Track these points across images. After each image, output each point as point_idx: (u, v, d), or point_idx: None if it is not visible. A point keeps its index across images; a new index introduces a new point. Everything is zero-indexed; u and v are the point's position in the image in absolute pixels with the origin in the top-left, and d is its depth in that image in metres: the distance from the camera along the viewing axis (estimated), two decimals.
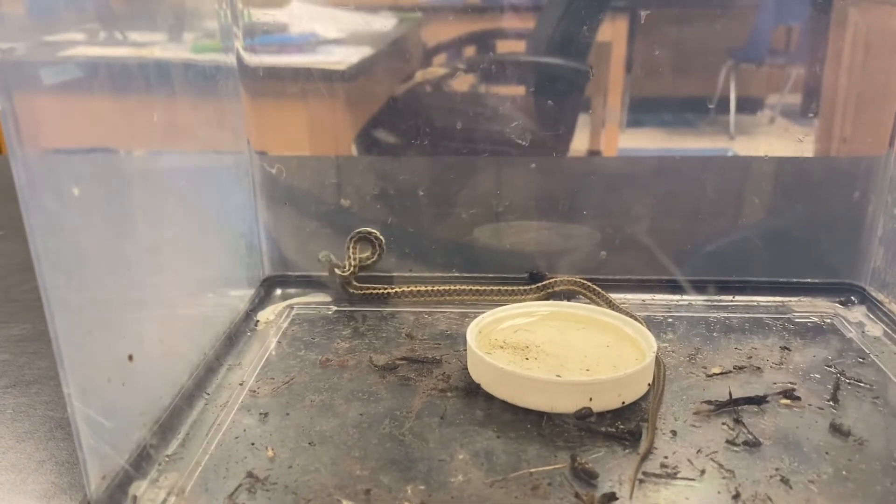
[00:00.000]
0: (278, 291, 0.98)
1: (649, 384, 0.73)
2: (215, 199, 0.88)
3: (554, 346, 0.79)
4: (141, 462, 0.62)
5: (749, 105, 0.95)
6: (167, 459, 0.64)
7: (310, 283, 0.98)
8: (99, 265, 0.60)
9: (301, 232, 1.00)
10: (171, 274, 0.73)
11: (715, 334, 0.87)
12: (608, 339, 0.81)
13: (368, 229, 0.95)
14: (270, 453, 0.65)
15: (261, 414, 0.71)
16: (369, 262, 0.95)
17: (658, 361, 0.75)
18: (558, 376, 0.72)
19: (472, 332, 0.78)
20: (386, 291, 0.93)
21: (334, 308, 0.94)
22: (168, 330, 0.73)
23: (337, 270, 0.92)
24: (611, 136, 0.98)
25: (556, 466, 0.62)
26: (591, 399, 0.69)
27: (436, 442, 0.66)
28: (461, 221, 0.99)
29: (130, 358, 0.60)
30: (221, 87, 0.87)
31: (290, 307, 0.94)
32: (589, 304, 0.92)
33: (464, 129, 0.95)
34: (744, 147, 0.97)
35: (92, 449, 0.56)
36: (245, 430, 0.68)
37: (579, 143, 0.97)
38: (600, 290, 0.92)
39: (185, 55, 0.78)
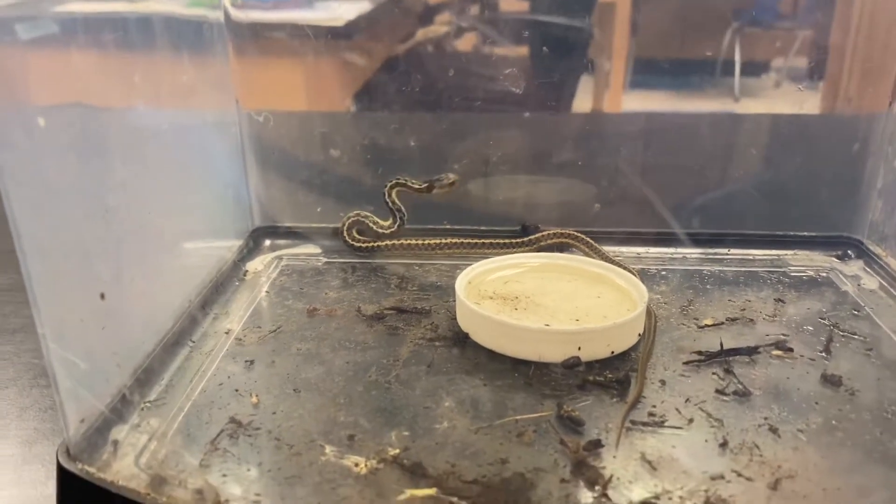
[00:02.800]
0: (267, 242, 0.97)
1: (640, 334, 0.72)
2: (201, 149, 0.86)
3: (544, 297, 0.78)
4: (121, 407, 0.61)
5: (755, 68, 0.93)
6: (149, 405, 0.63)
7: (299, 235, 0.97)
8: (74, 208, 0.58)
9: (290, 183, 0.98)
10: (153, 222, 0.72)
11: (708, 287, 0.86)
12: (599, 290, 0.80)
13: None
14: (254, 400, 0.64)
15: (246, 361, 0.70)
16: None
17: (649, 312, 0.74)
18: (547, 325, 0.71)
19: (461, 283, 0.77)
20: (377, 245, 0.92)
21: (324, 259, 0.93)
22: (151, 276, 0.72)
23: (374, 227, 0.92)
24: (614, 97, 0.96)
25: (542, 414, 0.62)
26: (579, 348, 0.68)
27: (422, 390, 0.65)
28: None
29: (102, 296, 0.59)
30: (209, 43, 0.85)
31: (280, 258, 0.93)
32: (582, 256, 0.91)
33: (463, 86, 0.93)
34: (748, 110, 0.95)
35: (69, 392, 0.55)
36: (229, 377, 0.68)
37: (582, 105, 0.95)
38: (593, 242, 0.90)
39: (171, 9, 0.76)
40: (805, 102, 0.92)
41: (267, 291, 0.85)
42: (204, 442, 0.59)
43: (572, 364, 0.67)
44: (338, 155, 0.96)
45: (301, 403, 0.64)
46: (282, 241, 0.97)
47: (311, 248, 0.95)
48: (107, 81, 0.66)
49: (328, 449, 0.58)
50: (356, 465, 0.56)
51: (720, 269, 0.90)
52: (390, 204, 0.92)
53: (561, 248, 0.93)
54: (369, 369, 0.69)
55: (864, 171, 0.92)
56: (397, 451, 0.57)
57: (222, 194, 0.93)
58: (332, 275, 0.89)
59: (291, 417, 0.62)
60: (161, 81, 0.75)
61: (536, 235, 0.93)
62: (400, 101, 0.94)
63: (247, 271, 0.89)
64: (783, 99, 0.94)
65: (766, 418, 0.61)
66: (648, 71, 0.95)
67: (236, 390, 0.65)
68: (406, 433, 0.59)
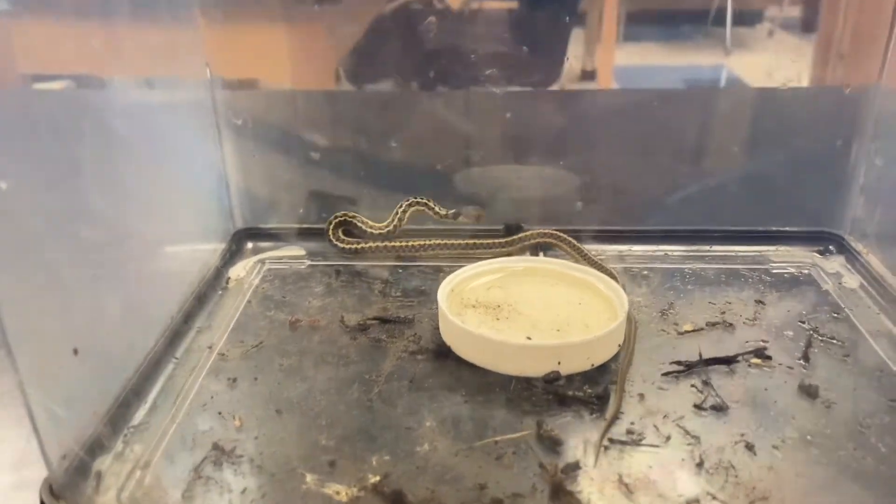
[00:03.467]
0: (249, 245, 0.97)
1: (620, 345, 0.73)
2: (175, 140, 0.84)
3: (526, 305, 0.78)
4: (104, 435, 0.62)
5: (747, 18, 0.91)
6: (133, 430, 0.64)
7: (281, 237, 0.96)
8: (41, 216, 0.57)
9: (273, 177, 0.97)
10: (131, 225, 0.72)
11: (689, 287, 0.86)
12: (581, 296, 0.80)
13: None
14: (237, 423, 0.64)
15: (229, 379, 0.70)
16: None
17: (630, 319, 0.75)
18: (529, 338, 0.72)
19: (443, 292, 0.77)
20: (362, 247, 0.92)
21: (308, 262, 0.93)
22: (133, 288, 0.72)
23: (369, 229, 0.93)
24: (606, 52, 0.93)
25: (522, 434, 0.62)
26: (559, 363, 0.68)
27: (404, 408, 0.66)
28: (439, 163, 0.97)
29: (76, 352, 0.59)
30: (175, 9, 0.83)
31: (262, 262, 0.93)
32: (566, 255, 0.91)
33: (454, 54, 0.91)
34: (740, 63, 0.92)
35: (48, 427, 0.55)
36: (213, 397, 0.68)
37: (574, 61, 0.92)
38: (576, 242, 0.90)
39: None
40: (798, 54, 0.90)
41: (249, 301, 0.85)
42: (187, 470, 0.59)
43: (552, 379, 0.68)
44: (322, 146, 0.95)
45: (283, 426, 0.64)
46: (264, 244, 0.96)
47: (294, 251, 0.95)
48: (63, 52, 0.63)
49: (309, 477, 0.58)
50: (337, 493, 0.57)
51: (702, 266, 0.91)
52: (399, 214, 0.91)
53: (544, 247, 0.93)
54: (351, 386, 0.69)
55: (847, 164, 0.92)
56: (378, 478, 0.58)
57: (202, 191, 0.92)
58: (316, 280, 0.89)
59: (273, 442, 0.62)
60: (126, 52, 0.73)
61: (520, 235, 0.93)
62: (387, 74, 0.92)
63: (229, 278, 0.89)
64: (775, 50, 0.90)
65: (742, 434, 0.62)
66: (639, 22, 0.93)
67: (219, 413, 0.66)
68: (387, 458, 0.60)
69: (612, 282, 0.80)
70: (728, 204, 0.95)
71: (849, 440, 0.62)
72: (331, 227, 0.93)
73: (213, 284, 0.87)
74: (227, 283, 0.88)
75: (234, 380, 0.70)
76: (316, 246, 0.95)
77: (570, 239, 0.91)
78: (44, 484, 0.56)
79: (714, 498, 0.56)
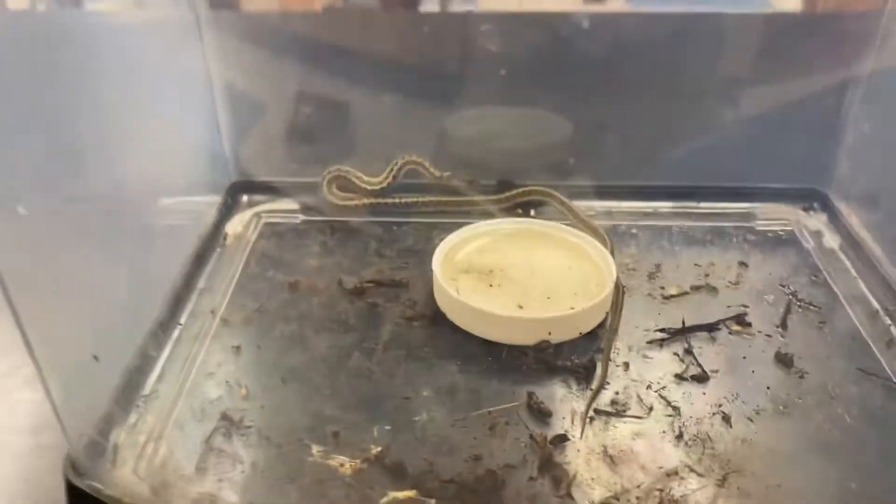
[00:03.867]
0: (245, 198, 0.97)
1: (607, 312, 0.76)
2: (165, 78, 0.83)
3: (517, 270, 0.81)
4: (118, 407, 0.65)
5: None
6: (144, 400, 0.67)
7: (276, 189, 0.97)
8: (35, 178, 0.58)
9: (267, 122, 0.96)
10: (129, 180, 0.72)
11: (676, 247, 0.89)
12: (571, 260, 0.83)
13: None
14: (243, 392, 0.68)
15: (233, 347, 0.73)
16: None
17: (617, 287, 0.78)
18: (520, 307, 0.75)
19: (437, 259, 0.79)
20: (357, 204, 0.93)
21: (302, 217, 0.95)
22: (134, 253, 0.74)
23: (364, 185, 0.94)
24: None
25: (513, 405, 0.66)
26: (549, 333, 0.72)
27: (402, 377, 0.70)
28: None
29: (96, 358, 0.61)
30: None
31: (258, 216, 0.94)
32: (557, 213, 0.93)
33: None
34: None
35: (65, 403, 0.58)
36: (219, 366, 0.71)
37: None
38: (567, 200, 0.92)
39: None
40: None
41: (248, 260, 0.86)
42: (199, 441, 0.63)
43: (543, 348, 0.71)
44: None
45: (287, 395, 0.68)
46: (259, 197, 0.98)
47: (288, 204, 0.96)
48: None
49: (315, 449, 0.62)
50: (341, 465, 0.61)
51: (689, 225, 0.93)
52: (393, 171, 0.92)
53: (535, 204, 0.95)
54: (352, 353, 0.72)
55: (838, 122, 0.92)
56: (379, 448, 0.62)
57: (196, 136, 0.92)
58: (312, 237, 0.91)
59: (279, 412, 0.66)
60: None
61: (512, 193, 0.94)
62: None
63: (227, 234, 0.91)
64: None
65: (719, 406, 0.66)
66: None
67: (226, 381, 0.69)
68: (387, 427, 0.64)
69: (602, 246, 0.82)
70: (717, 157, 0.96)
71: (818, 411, 0.66)
72: (325, 181, 0.94)
73: (211, 242, 0.88)
74: (224, 239, 0.90)
75: (238, 347, 0.73)
76: (310, 198, 0.96)
77: (562, 197, 0.93)
78: (66, 461, 0.59)
79: (691, 470, 0.60)
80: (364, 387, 0.68)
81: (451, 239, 0.83)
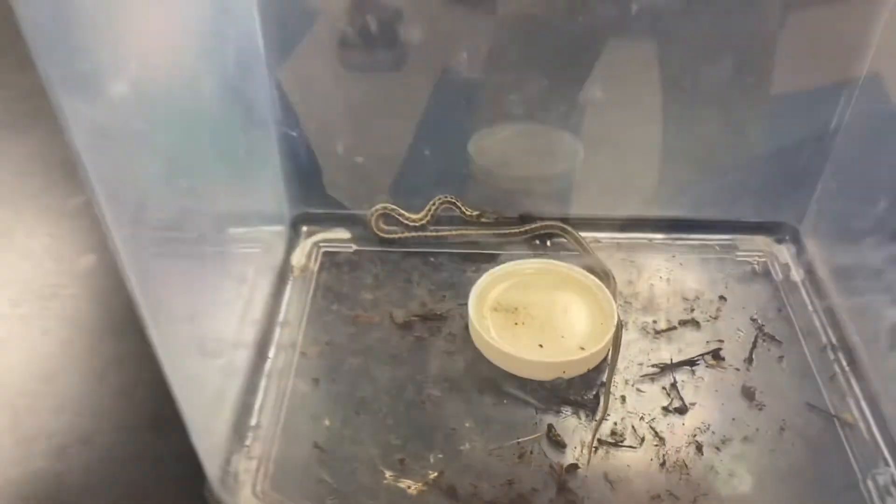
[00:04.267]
0: (304, 228, 1.14)
1: (609, 350, 0.95)
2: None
3: (537, 308, 0.99)
4: (235, 436, 0.85)
5: None
6: (252, 431, 0.87)
7: (331, 218, 1.14)
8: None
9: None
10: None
11: (669, 279, 1.07)
12: (581, 298, 1.01)
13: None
14: (327, 423, 0.88)
15: (313, 380, 0.92)
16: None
17: (618, 327, 0.96)
18: (540, 346, 0.94)
19: (472, 302, 0.97)
20: (399, 236, 1.10)
21: (354, 247, 1.12)
22: (229, 283, 0.91)
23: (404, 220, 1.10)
24: None
25: (536, 436, 0.86)
26: (564, 371, 0.91)
27: (448, 409, 0.89)
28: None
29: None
30: None
31: (317, 246, 1.11)
32: (570, 244, 1.11)
33: None
34: None
35: (200, 436, 0.77)
36: (303, 398, 0.90)
37: None
38: (578, 235, 1.09)
39: None
40: None
41: (314, 293, 1.04)
42: (301, 466, 0.83)
43: (558, 384, 0.91)
44: None
45: (361, 426, 0.87)
46: (315, 227, 1.14)
47: (341, 233, 1.13)
48: None
49: (387, 473, 0.82)
50: (409, 487, 0.81)
51: (681, 257, 1.10)
52: (431, 210, 1.09)
53: (551, 236, 1.12)
54: (407, 386, 0.91)
55: (814, 159, 1.08)
56: (435, 474, 0.82)
57: (260, 160, 1.06)
58: (364, 269, 1.08)
59: (356, 441, 0.85)
60: None
61: (533, 226, 1.11)
62: None
63: (293, 266, 1.08)
64: None
65: (694, 435, 0.86)
66: None
67: (311, 415, 0.89)
68: (440, 455, 0.84)
69: (605, 288, 1.00)
70: (704, 191, 1.12)
71: (772, 442, 0.86)
72: (373, 218, 1.11)
73: (283, 275, 1.06)
74: (292, 272, 1.07)
75: (317, 380, 0.92)
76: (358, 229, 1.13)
77: (574, 232, 1.10)
78: (206, 487, 0.80)
79: (671, 494, 0.81)
80: (419, 418, 0.88)
81: (482, 281, 1.01)
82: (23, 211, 1.18)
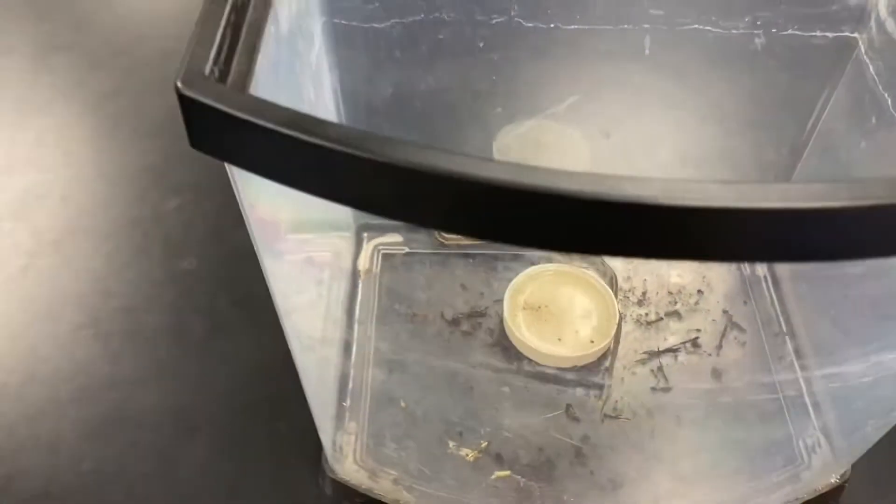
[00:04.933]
0: (364, 234, 1.40)
1: (611, 341, 1.24)
2: None
3: (557, 307, 1.27)
4: (337, 414, 1.15)
5: None
6: (347, 409, 1.17)
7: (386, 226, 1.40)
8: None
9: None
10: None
11: (657, 277, 1.35)
12: (590, 297, 1.29)
13: None
14: (403, 405, 1.18)
15: (389, 370, 1.22)
16: None
17: (619, 326, 1.25)
18: (559, 339, 1.23)
19: (506, 301, 1.25)
20: (457, 243, 1.36)
21: (406, 249, 1.38)
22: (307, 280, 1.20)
23: None
24: None
25: (558, 412, 1.17)
26: (579, 361, 1.21)
27: (491, 394, 1.19)
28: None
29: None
30: None
31: (377, 249, 1.38)
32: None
33: None
34: None
35: (321, 428, 1.07)
36: (382, 384, 1.20)
37: None
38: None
39: None
40: None
41: (379, 295, 1.32)
42: (387, 439, 1.14)
43: (574, 370, 1.21)
44: None
45: (427, 407, 1.17)
46: (374, 232, 1.40)
47: (395, 237, 1.40)
48: None
49: (450, 443, 1.13)
50: (466, 455, 1.12)
51: None
52: None
53: None
54: (458, 374, 1.21)
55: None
56: (486, 443, 1.13)
57: None
58: (417, 270, 1.35)
59: (425, 419, 1.16)
60: None
61: None
62: None
63: (360, 270, 1.35)
64: None
65: (675, 410, 1.17)
66: None
67: (389, 399, 1.18)
68: (488, 429, 1.15)
69: (609, 289, 1.28)
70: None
71: (731, 413, 1.17)
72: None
73: (354, 279, 1.33)
74: (359, 275, 1.35)
75: (391, 370, 1.22)
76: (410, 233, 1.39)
77: None
78: (323, 457, 1.10)
79: (656, 457, 1.12)
80: (471, 402, 1.18)
81: (514, 283, 1.28)
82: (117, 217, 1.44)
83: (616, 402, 1.18)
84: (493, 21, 1.05)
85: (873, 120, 1.05)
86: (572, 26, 1.07)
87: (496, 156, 1.33)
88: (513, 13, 1.04)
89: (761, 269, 1.35)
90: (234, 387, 1.24)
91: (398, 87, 1.15)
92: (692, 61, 1.15)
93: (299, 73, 0.88)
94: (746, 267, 1.36)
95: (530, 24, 1.05)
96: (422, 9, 1.04)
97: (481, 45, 1.09)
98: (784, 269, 1.33)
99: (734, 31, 1.08)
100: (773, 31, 1.07)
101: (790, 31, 1.07)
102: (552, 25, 1.06)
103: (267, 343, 1.26)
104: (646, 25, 1.09)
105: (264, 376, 1.24)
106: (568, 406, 1.17)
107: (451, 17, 1.05)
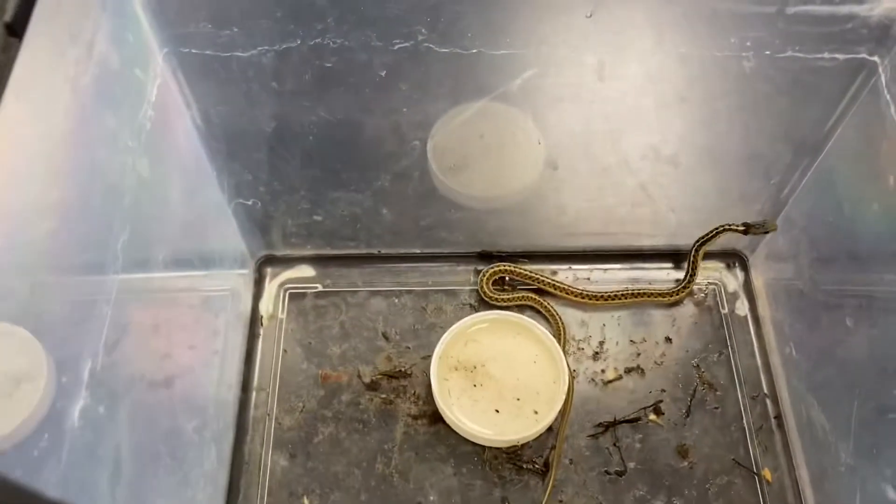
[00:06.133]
0: (268, 269, 1.17)
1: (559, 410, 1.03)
2: None
3: (495, 365, 1.06)
4: None
5: None
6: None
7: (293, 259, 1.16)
8: None
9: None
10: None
11: (615, 320, 1.12)
12: (536, 351, 1.07)
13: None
14: (306, 502, 0.98)
15: (290, 455, 1.01)
16: None
17: (568, 394, 1.04)
18: (497, 411, 1.02)
19: (434, 365, 1.03)
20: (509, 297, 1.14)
21: (319, 287, 1.15)
22: (195, 357, 0.98)
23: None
24: None
25: None
26: (518, 443, 1.01)
27: (414, 481, 0.99)
28: None
29: None
30: None
31: (283, 288, 1.15)
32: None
33: None
34: None
35: None
36: (283, 474, 1.00)
37: None
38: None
39: None
40: None
41: (285, 349, 1.10)
42: None
43: (514, 451, 1.01)
44: None
45: (336, 503, 0.98)
46: (278, 266, 1.17)
47: (306, 271, 1.16)
48: None
49: None
50: None
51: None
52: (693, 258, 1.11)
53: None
54: (376, 458, 1.01)
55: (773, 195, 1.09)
56: None
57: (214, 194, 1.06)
58: (331, 316, 1.12)
59: None
60: None
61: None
62: None
63: (262, 317, 1.13)
64: None
65: (631, 500, 0.98)
66: None
67: (291, 492, 0.99)
68: None
69: (555, 340, 1.06)
70: (653, 220, 1.13)
71: (697, 502, 0.98)
72: (484, 279, 1.13)
73: (253, 329, 1.11)
74: (261, 322, 1.12)
75: (294, 455, 1.02)
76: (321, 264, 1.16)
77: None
78: None
79: None
80: (390, 492, 0.99)
81: (443, 341, 1.06)
82: None
83: (562, 493, 0.99)
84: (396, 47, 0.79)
85: (888, 162, 0.81)
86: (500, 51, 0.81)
87: (431, 158, 1.08)
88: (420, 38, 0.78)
89: (742, 307, 1.14)
90: None
91: (282, 120, 0.89)
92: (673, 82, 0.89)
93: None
94: (725, 304, 1.14)
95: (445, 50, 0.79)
96: (296, 35, 0.77)
97: (383, 73, 0.83)
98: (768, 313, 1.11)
99: (718, 55, 0.82)
100: (767, 53, 0.81)
101: (789, 53, 0.81)
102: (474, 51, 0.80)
103: None
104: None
105: None
106: (503, 501, 0.98)
107: (339, 44, 0.78)
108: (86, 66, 0.61)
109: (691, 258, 1.10)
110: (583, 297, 1.12)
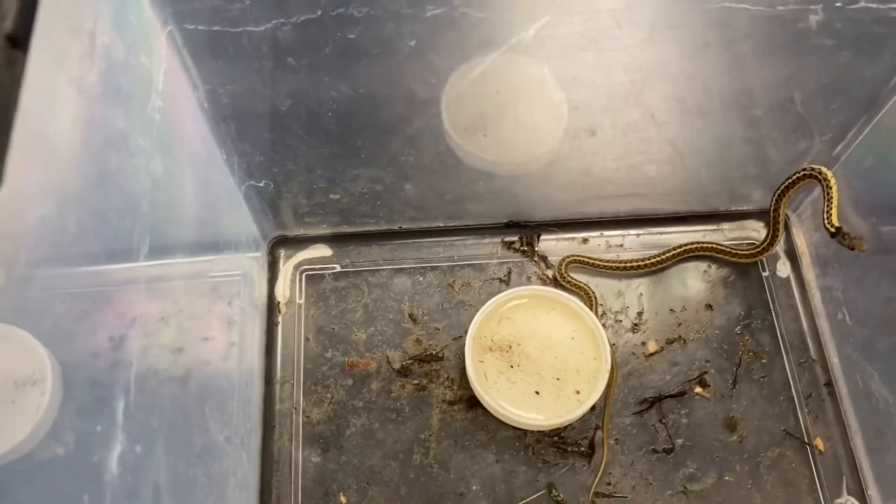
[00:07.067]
0: (281, 251, 1.09)
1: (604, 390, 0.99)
2: None
3: (532, 345, 1.00)
4: None
5: None
6: None
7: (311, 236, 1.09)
8: None
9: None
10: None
11: (655, 289, 1.07)
12: (573, 326, 1.01)
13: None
14: (343, 499, 0.93)
15: (322, 450, 0.96)
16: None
17: (612, 373, 0.98)
18: (537, 392, 0.97)
19: (469, 343, 0.97)
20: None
21: (338, 268, 1.08)
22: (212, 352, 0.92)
23: None
24: None
25: (539, 494, 0.94)
26: (561, 425, 0.96)
27: (455, 471, 0.95)
28: None
29: None
30: None
31: (299, 270, 1.08)
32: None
33: None
34: None
35: None
36: (316, 471, 0.95)
37: None
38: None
39: None
40: None
41: (307, 337, 1.03)
42: None
43: (556, 435, 0.96)
44: None
45: (375, 499, 0.93)
46: (292, 247, 1.09)
47: (322, 251, 1.09)
48: None
49: None
50: None
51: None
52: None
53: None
54: (413, 448, 0.96)
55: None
56: None
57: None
58: (352, 298, 1.06)
59: None
60: None
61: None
62: None
63: (279, 303, 1.06)
64: None
65: (681, 478, 0.94)
66: None
67: (326, 490, 0.94)
68: None
69: (591, 313, 1.00)
70: (685, 178, 1.06)
71: (749, 477, 0.95)
72: (562, 267, 1.06)
73: (271, 318, 1.04)
74: (279, 309, 1.05)
75: (326, 450, 0.96)
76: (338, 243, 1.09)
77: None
78: None
79: None
80: (429, 484, 0.94)
81: (477, 319, 1.00)
82: None
83: (610, 474, 0.95)
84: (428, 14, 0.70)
85: None
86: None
87: (445, 113, 0.99)
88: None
89: (783, 268, 1.08)
90: None
91: (298, 97, 0.80)
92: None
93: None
94: (766, 264, 1.08)
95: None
96: (316, 5, 0.68)
97: (412, 43, 0.74)
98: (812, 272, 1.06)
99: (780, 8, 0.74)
100: (837, 5, 0.73)
101: (861, 4, 0.73)
102: None
103: None
104: None
105: None
106: (550, 487, 0.93)
107: (364, 13, 0.69)
108: (90, 61, 0.53)
109: (772, 212, 1.02)
110: (653, 265, 1.07)
